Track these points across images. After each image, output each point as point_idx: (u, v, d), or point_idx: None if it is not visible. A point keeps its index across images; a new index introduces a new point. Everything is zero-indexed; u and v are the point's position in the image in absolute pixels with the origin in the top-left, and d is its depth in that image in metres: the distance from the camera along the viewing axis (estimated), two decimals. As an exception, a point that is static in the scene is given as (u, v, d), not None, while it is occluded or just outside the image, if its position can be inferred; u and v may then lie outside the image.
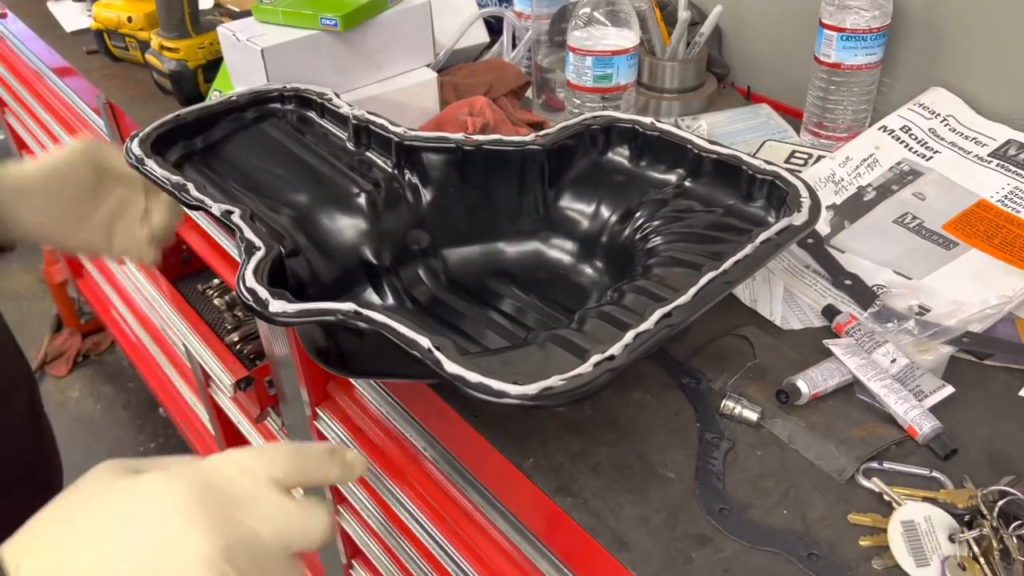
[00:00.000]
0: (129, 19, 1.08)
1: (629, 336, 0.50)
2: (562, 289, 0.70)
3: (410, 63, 0.90)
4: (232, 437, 1.31)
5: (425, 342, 0.49)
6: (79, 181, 0.72)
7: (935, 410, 0.58)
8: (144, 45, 1.06)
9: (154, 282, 1.23)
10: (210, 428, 1.38)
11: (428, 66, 0.92)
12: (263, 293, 0.53)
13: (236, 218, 0.60)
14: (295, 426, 0.95)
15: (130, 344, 1.83)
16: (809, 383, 0.59)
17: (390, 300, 0.69)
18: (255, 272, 0.55)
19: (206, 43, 0.98)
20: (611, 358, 0.49)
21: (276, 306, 0.52)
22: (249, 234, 0.58)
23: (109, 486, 0.40)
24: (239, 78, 0.86)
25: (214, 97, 0.93)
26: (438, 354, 0.49)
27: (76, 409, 2.11)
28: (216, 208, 0.61)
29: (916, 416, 0.57)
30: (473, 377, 0.47)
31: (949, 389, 0.59)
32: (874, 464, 0.55)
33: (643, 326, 0.51)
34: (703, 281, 0.54)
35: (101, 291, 1.84)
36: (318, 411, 0.88)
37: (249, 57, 0.81)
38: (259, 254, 0.57)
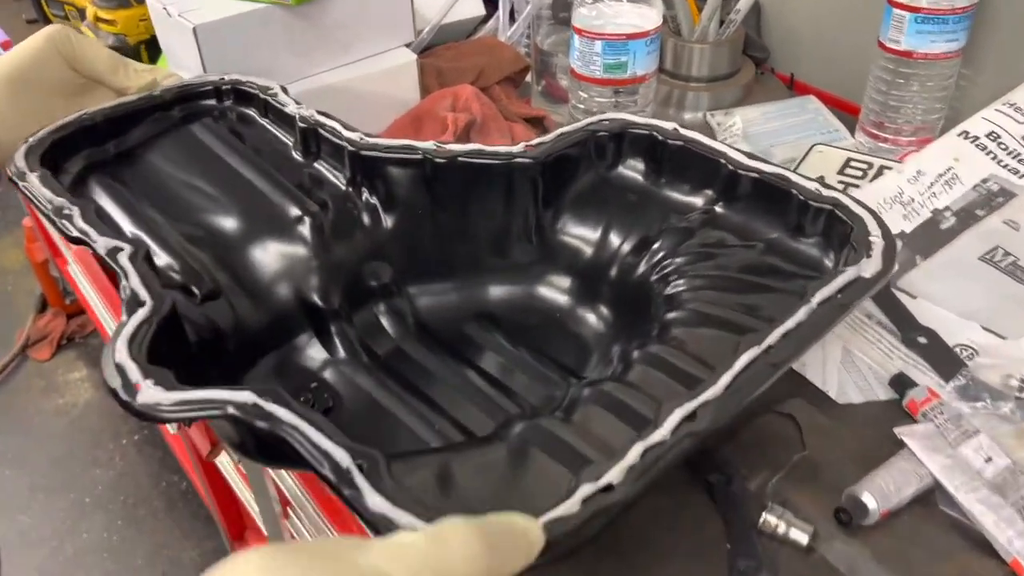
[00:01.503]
0: (68, -17, 0.93)
1: (635, 453, 0.36)
2: (559, 340, 0.56)
3: (385, 43, 0.75)
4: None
5: (343, 458, 0.35)
6: (49, 80, 0.59)
7: (1047, 535, 0.43)
8: (84, 14, 0.91)
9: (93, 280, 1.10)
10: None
11: (407, 46, 0.77)
12: (134, 373, 0.39)
13: (123, 259, 0.46)
14: (248, 465, 0.82)
15: (106, 332, 1.71)
16: (878, 496, 0.44)
17: (340, 352, 0.55)
18: (131, 340, 0.41)
19: (148, 15, 0.83)
20: (608, 489, 0.35)
21: (148, 395, 0.38)
22: (136, 283, 0.44)
23: None
24: (174, 62, 0.71)
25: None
26: (360, 480, 0.34)
27: (58, 396, 2.00)
28: (101, 244, 0.47)
29: (1023, 548, 0.42)
30: (404, 519, 0.33)
31: (1066, 507, 0.44)
32: (968, 620, 0.40)
33: (656, 436, 0.37)
34: (740, 364, 0.40)
35: (77, 274, 1.72)
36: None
37: (181, 37, 0.66)
38: (141, 313, 0.42)
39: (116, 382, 0.38)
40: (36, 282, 2.17)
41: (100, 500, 1.64)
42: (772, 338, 0.41)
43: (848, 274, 0.44)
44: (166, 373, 0.39)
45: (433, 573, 0.26)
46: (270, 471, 0.77)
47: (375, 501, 0.33)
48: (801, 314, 0.42)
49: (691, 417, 0.37)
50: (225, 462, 1.03)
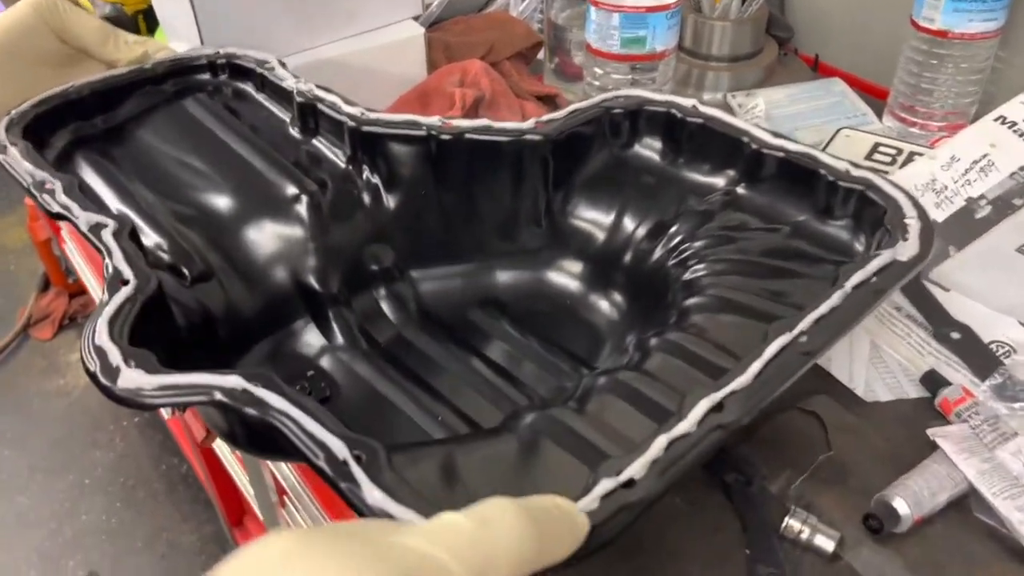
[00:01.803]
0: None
1: (658, 446, 0.33)
2: (569, 327, 0.53)
3: (391, 14, 0.72)
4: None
5: (340, 449, 0.32)
6: (35, 50, 0.58)
7: (1091, 546, 0.40)
8: (81, -17, 0.88)
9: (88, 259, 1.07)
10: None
11: (415, 19, 0.73)
12: (114, 355, 0.36)
13: (107, 235, 0.43)
14: (244, 454, 0.80)
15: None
16: (911, 502, 0.41)
17: (339, 339, 0.52)
18: (113, 320, 0.38)
19: (147, -17, 0.80)
20: (629, 484, 0.32)
21: (128, 378, 0.35)
22: (119, 260, 0.41)
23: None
24: (171, 31, 0.68)
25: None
26: (358, 472, 0.31)
27: (59, 377, 1.99)
28: (83, 220, 0.44)
29: (1068, 562, 0.39)
30: (405, 516, 0.30)
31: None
32: (1008, 639, 0.38)
33: (681, 427, 0.34)
34: (771, 351, 0.37)
35: (76, 254, 1.70)
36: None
37: (178, 4, 0.63)
38: (124, 292, 0.39)
39: (94, 364, 0.36)
40: (39, 261, 2.15)
41: (100, 482, 1.62)
42: (804, 324, 0.38)
43: (884, 257, 0.41)
44: (149, 356, 0.36)
45: (483, 557, 0.23)
46: (268, 462, 0.75)
47: (374, 496, 0.30)
48: (835, 299, 0.39)
49: (718, 408, 0.34)
50: (222, 447, 1.01)
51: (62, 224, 1.48)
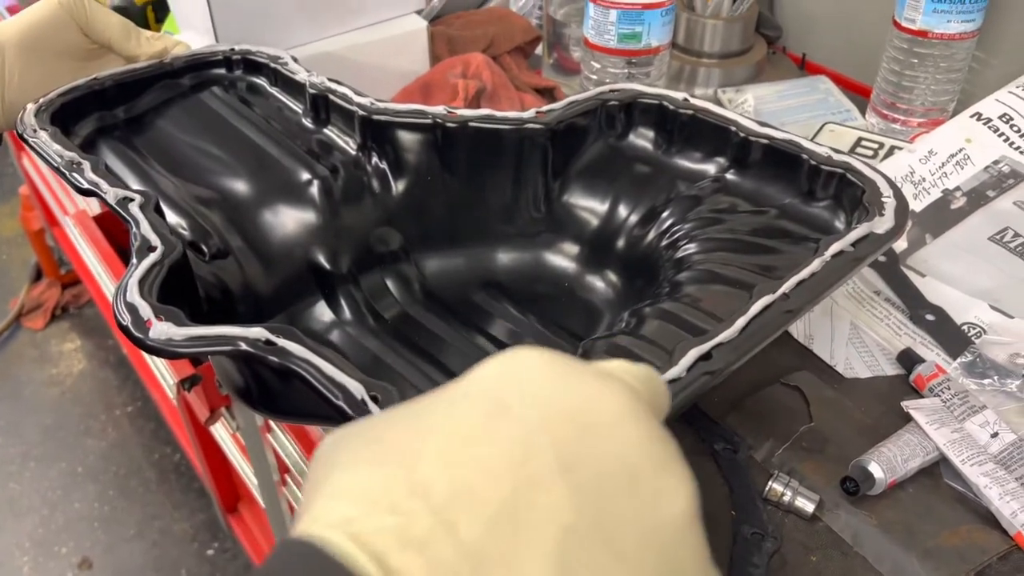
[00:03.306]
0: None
1: None
2: (567, 307, 0.56)
3: (395, 8, 0.74)
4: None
5: (357, 389, 0.35)
6: (61, 44, 0.59)
7: (1051, 509, 0.43)
8: (89, -25, 0.89)
9: (97, 248, 1.09)
10: (174, 402, 1.25)
11: (418, 13, 0.76)
12: (145, 311, 0.38)
13: (134, 208, 0.45)
14: (247, 431, 0.82)
15: (104, 300, 1.70)
16: (885, 467, 0.44)
17: (347, 315, 0.54)
18: (142, 281, 0.40)
19: (156, -25, 0.82)
20: None
21: (159, 330, 0.37)
22: (146, 229, 0.44)
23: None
24: (184, 22, 0.70)
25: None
26: (376, 410, 0.34)
27: (51, 367, 2.00)
28: (112, 194, 0.46)
29: (1029, 521, 0.42)
30: None
31: (1072, 483, 0.44)
32: (972, 590, 0.41)
33: (671, 372, 0.36)
34: (756, 308, 0.40)
35: (75, 242, 1.71)
36: (271, 423, 0.75)
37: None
38: (152, 257, 0.42)
39: (127, 319, 0.38)
40: (31, 251, 2.16)
41: (92, 470, 1.63)
42: (787, 286, 0.41)
43: (861, 229, 0.44)
44: (177, 312, 0.38)
45: (651, 395, 0.26)
46: (270, 439, 0.77)
47: None
48: (815, 265, 0.42)
49: (707, 356, 0.37)
50: (221, 431, 1.02)
51: (60, 216, 1.49)
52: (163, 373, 0.87)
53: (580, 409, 0.22)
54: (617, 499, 0.21)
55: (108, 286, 1.11)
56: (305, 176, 0.55)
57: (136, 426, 1.75)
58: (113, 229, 1.23)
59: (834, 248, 0.43)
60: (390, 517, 0.20)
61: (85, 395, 1.91)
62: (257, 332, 0.36)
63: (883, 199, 0.46)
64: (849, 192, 0.49)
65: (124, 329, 0.38)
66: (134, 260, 0.42)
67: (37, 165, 1.63)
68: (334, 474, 0.21)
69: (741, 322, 0.39)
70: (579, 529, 0.20)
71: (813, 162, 0.50)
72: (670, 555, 0.21)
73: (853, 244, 0.43)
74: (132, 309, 0.38)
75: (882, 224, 0.45)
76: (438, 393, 0.23)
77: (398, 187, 0.57)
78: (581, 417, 0.22)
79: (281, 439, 0.74)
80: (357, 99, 0.56)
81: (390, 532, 0.19)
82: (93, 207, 1.25)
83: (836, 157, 0.50)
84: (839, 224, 0.50)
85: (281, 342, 0.36)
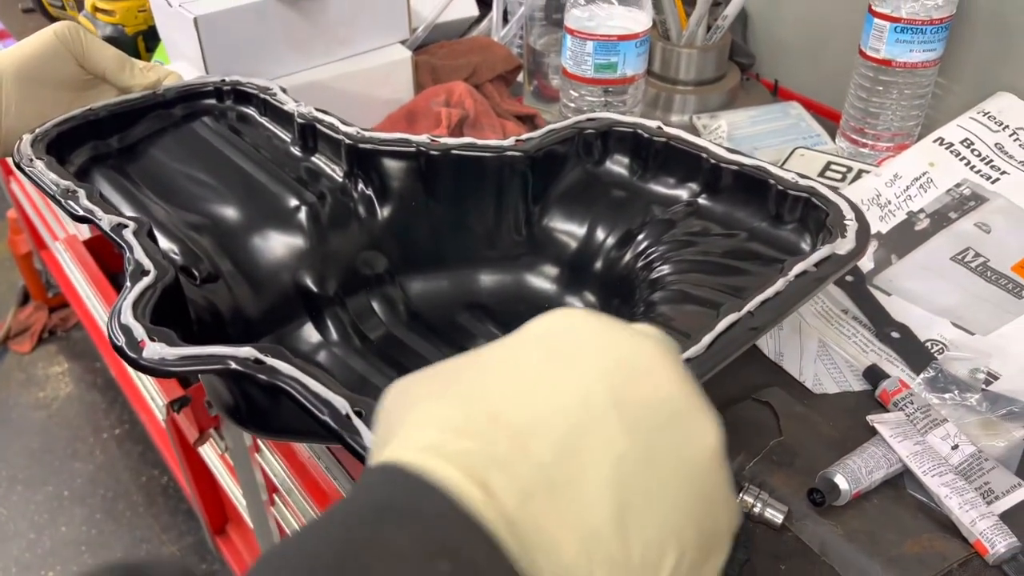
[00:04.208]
0: (66, -27, 0.94)
1: None
2: (546, 328, 0.57)
3: (380, 39, 0.77)
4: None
5: (342, 405, 0.37)
6: (58, 75, 0.61)
7: (1009, 517, 0.45)
8: (81, 3, 0.92)
9: (87, 272, 1.10)
10: (162, 423, 1.26)
11: (402, 43, 0.78)
12: (139, 332, 0.40)
13: (128, 234, 0.47)
14: (236, 451, 0.83)
15: (92, 324, 1.71)
16: (850, 478, 0.46)
17: (334, 336, 0.56)
18: (136, 304, 0.42)
19: (147, 4, 0.84)
20: None
21: (152, 350, 0.39)
22: (140, 254, 0.46)
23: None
24: (174, 52, 0.72)
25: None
26: (359, 424, 0.36)
27: (38, 390, 1.99)
28: (106, 221, 0.48)
29: (986, 529, 0.44)
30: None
31: (1027, 491, 0.46)
32: (933, 595, 0.43)
33: None
34: (722, 326, 0.42)
35: (64, 266, 1.71)
36: (259, 442, 0.76)
37: (182, 27, 0.68)
38: (145, 280, 0.44)
39: (121, 339, 0.40)
40: (19, 275, 2.16)
41: (79, 494, 1.63)
42: (752, 304, 0.43)
43: (824, 250, 0.46)
44: (170, 333, 0.40)
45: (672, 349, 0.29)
46: (258, 458, 0.78)
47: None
48: (779, 284, 0.44)
49: None
50: (210, 452, 1.03)
51: (49, 241, 1.50)
52: (152, 395, 0.89)
53: (625, 356, 0.26)
54: (660, 433, 0.24)
55: (97, 309, 1.12)
56: (293, 202, 0.57)
57: (124, 449, 1.75)
58: (102, 253, 1.25)
59: (797, 268, 0.45)
60: (473, 441, 0.23)
61: (72, 418, 1.90)
62: (246, 351, 0.38)
63: (846, 222, 0.49)
64: (814, 215, 0.51)
65: (119, 349, 0.40)
66: (128, 284, 0.43)
67: (26, 189, 1.63)
68: (417, 407, 0.25)
69: (708, 339, 0.41)
70: (630, 457, 0.24)
71: (780, 187, 0.53)
72: (702, 481, 0.25)
73: (816, 264, 0.46)
74: (126, 330, 0.40)
75: (844, 245, 0.47)
76: (496, 344, 0.27)
77: (383, 212, 0.59)
78: (627, 363, 0.25)
79: (269, 459, 0.75)
80: (344, 128, 0.58)
81: (476, 454, 0.23)
82: (83, 231, 1.26)
83: (802, 182, 0.52)
84: (805, 246, 0.52)
85: (269, 361, 0.38)
